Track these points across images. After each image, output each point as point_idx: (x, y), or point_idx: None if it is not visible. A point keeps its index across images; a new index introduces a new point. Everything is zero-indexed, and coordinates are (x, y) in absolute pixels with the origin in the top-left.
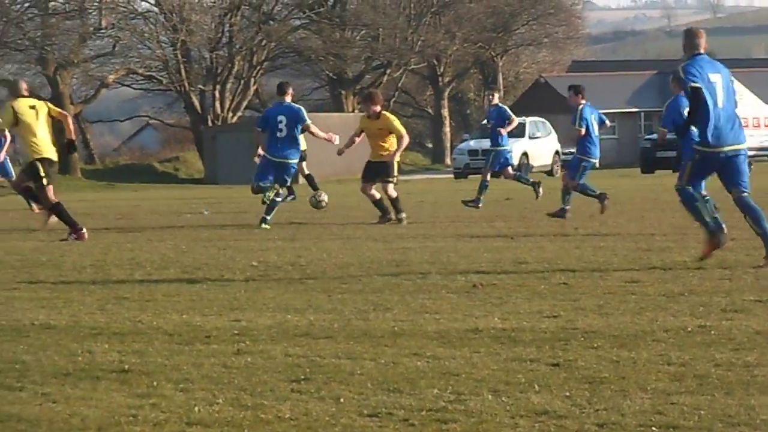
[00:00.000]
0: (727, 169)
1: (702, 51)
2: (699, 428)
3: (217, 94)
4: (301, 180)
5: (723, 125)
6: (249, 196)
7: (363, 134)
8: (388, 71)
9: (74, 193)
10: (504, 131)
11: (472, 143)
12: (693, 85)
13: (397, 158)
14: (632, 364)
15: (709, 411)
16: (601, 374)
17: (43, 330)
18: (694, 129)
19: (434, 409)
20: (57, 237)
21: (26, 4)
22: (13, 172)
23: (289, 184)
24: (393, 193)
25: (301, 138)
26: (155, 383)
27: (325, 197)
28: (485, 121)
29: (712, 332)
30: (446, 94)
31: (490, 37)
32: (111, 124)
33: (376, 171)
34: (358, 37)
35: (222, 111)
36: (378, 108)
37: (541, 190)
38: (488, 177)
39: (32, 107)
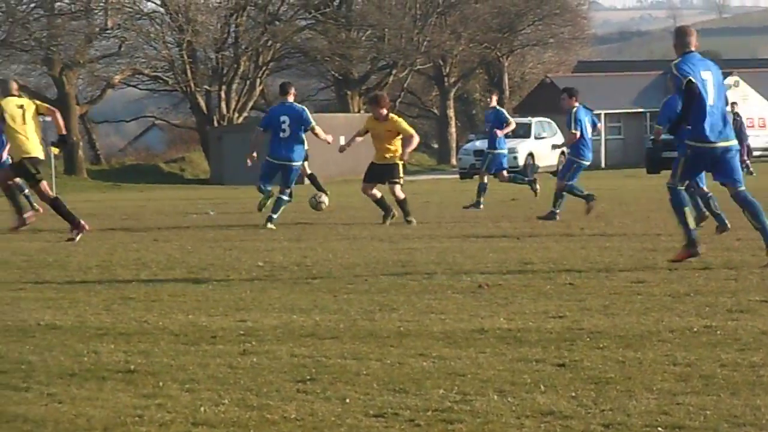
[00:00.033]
0: (720, 165)
1: (693, 49)
2: (705, 428)
3: (222, 95)
4: (306, 181)
5: (716, 122)
6: (255, 197)
7: (367, 134)
8: (393, 72)
9: (80, 194)
10: (501, 133)
11: (478, 143)
12: (688, 79)
13: (406, 157)
14: (638, 364)
15: (714, 411)
16: (606, 374)
17: (49, 330)
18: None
19: (440, 410)
20: (63, 238)
21: (32, 5)
22: None
23: (292, 186)
24: (401, 195)
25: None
26: (161, 383)
27: (325, 199)
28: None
29: (718, 332)
30: (452, 94)
31: (496, 37)
32: (117, 125)
33: (379, 173)
34: (363, 38)
35: (228, 111)
36: (385, 111)
37: (538, 186)
38: (485, 179)
39: (20, 106)
